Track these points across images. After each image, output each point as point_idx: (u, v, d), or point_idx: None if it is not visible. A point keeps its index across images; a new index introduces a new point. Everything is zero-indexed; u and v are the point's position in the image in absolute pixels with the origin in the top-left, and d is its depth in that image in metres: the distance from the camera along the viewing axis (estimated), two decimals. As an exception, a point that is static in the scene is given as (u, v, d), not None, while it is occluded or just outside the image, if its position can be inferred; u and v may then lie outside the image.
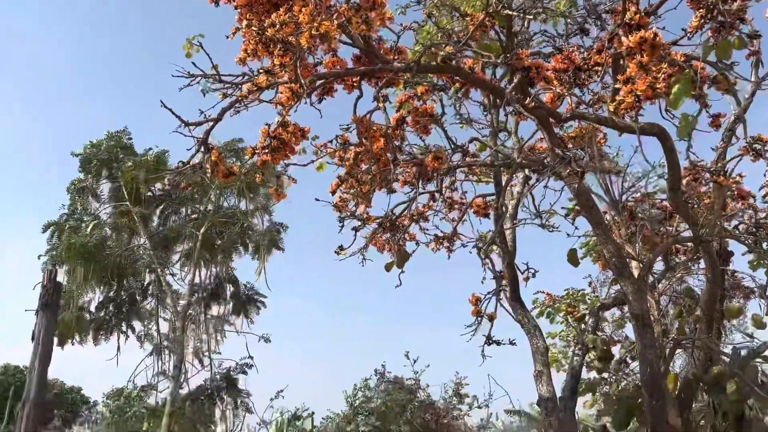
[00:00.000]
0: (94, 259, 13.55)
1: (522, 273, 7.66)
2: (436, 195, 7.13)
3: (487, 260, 7.42)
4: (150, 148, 17.58)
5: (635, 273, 6.35)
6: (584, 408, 10.41)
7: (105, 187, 16.93)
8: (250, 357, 16.71)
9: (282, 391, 13.37)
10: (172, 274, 16.78)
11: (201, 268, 16.78)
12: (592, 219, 5.62)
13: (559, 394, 6.42)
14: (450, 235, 8.06)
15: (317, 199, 6.03)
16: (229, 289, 18.04)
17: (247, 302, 17.85)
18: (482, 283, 7.57)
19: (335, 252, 8.41)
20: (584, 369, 7.14)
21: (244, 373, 16.87)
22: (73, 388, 40.79)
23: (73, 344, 16.11)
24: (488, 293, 7.24)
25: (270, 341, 16.84)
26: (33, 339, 4.26)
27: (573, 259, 7.67)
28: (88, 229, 14.47)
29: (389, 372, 5.95)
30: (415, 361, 5.95)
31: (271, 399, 13.75)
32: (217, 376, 16.43)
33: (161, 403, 15.20)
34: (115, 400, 16.09)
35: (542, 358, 6.64)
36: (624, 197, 7.99)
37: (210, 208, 16.86)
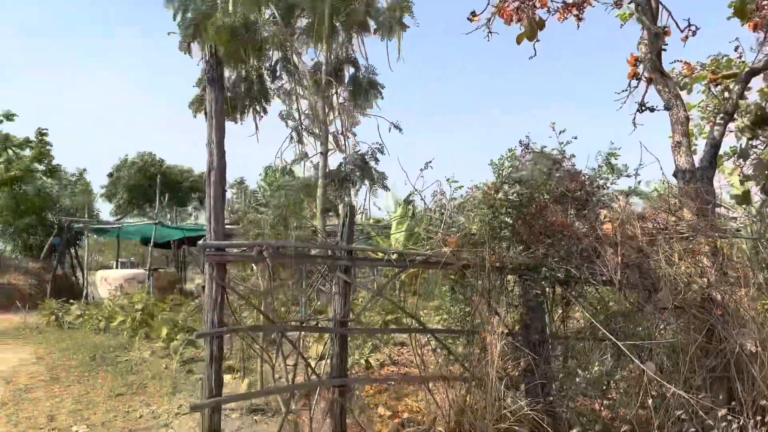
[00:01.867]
0: (230, 36, 13.57)
1: (682, 31, 7.00)
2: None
3: (643, 16, 6.70)
4: None
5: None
6: (724, 176, 10.09)
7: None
8: (381, 143, 17.03)
9: (430, 162, 13.71)
10: (298, 53, 16.76)
11: (322, 46, 16.45)
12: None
13: (697, 164, 6.18)
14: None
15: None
16: (349, 71, 17.81)
17: (368, 87, 17.56)
18: (637, 47, 7.01)
19: (468, 19, 7.90)
20: (724, 139, 6.69)
21: (376, 160, 17.42)
22: (201, 175, 45.54)
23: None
24: (645, 54, 6.73)
25: (401, 130, 16.96)
26: (206, 115, 4.58)
27: (740, 11, 6.79)
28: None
29: (534, 142, 5.86)
30: (561, 132, 5.74)
31: (421, 169, 14.18)
32: (353, 157, 17.13)
33: (310, 178, 16.31)
34: (265, 179, 17.17)
35: (682, 128, 6.24)
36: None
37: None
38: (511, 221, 5.29)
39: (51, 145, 25.01)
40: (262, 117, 17.11)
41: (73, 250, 24.33)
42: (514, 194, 5.21)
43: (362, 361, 7.84)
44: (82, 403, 6.89)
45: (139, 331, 10.65)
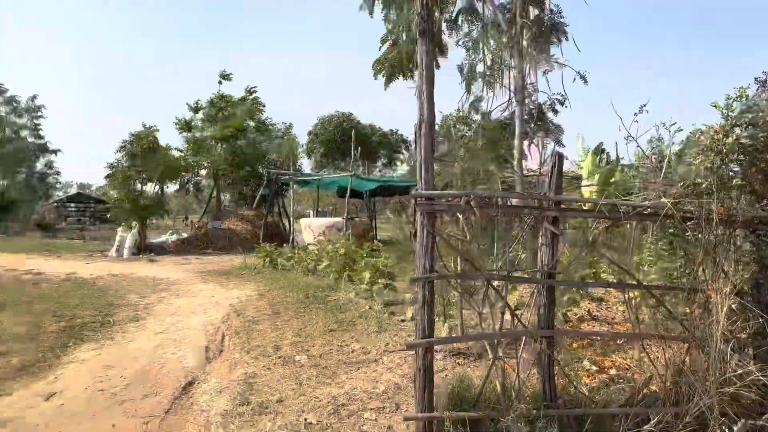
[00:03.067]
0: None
1: None
2: None
3: None
4: None
5: None
6: None
7: None
8: (563, 94, 15.97)
9: (644, 105, 12.55)
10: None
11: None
12: None
13: None
14: None
15: None
16: (532, 12, 16.78)
17: (551, 29, 16.39)
18: None
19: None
20: None
21: (554, 111, 16.47)
22: (391, 131, 47.02)
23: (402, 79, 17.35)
24: None
25: (587, 81, 15.80)
26: (417, 66, 4.71)
27: None
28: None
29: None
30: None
31: (635, 113, 13.10)
32: (530, 107, 16.40)
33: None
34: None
35: None
36: None
37: None
38: (742, 169, 4.70)
39: (264, 106, 27.65)
40: (438, 68, 17.01)
41: (280, 200, 27.02)
42: (747, 138, 4.60)
43: (559, 315, 7.71)
44: (301, 336, 7.76)
45: (343, 274, 11.59)
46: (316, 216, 26.60)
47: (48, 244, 25.00)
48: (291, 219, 24.68)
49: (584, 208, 5.19)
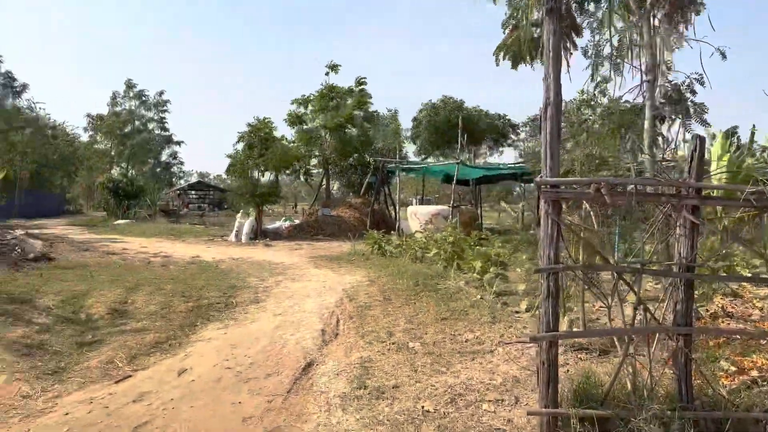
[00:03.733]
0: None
1: None
2: None
3: None
4: None
5: None
6: None
7: None
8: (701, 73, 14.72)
9: None
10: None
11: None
12: None
13: None
14: None
15: None
16: None
17: (686, 1, 15.05)
18: None
19: None
20: None
21: (693, 92, 15.18)
22: (498, 116, 45.82)
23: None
24: None
25: (725, 56, 14.37)
26: (540, 49, 4.52)
27: None
28: None
29: None
30: None
31: None
32: (666, 89, 15.28)
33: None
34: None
35: None
36: None
37: None
38: None
39: (371, 97, 28.07)
40: (571, 54, 16.21)
41: (386, 188, 27.35)
42: None
43: (691, 311, 7.17)
44: (413, 323, 7.79)
45: (451, 262, 11.51)
46: (421, 204, 26.68)
47: (173, 229, 26.97)
48: (397, 206, 24.90)
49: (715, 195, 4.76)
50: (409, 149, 42.44)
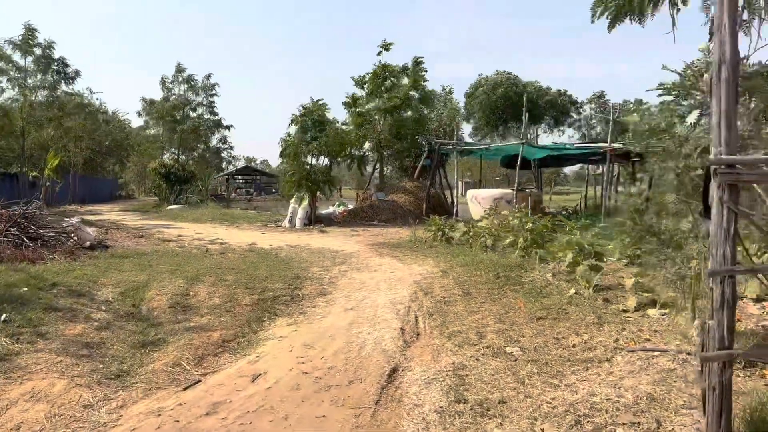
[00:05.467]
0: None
1: None
2: None
3: None
4: None
5: None
6: None
7: None
8: None
9: None
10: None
11: None
12: None
13: None
14: None
15: None
16: None
17: None
18: None
19: None
20: None
21: None
22: (560, 92, 43.79)
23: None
24: None
25: None
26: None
27: None
28: None
29: None
30: None
31: None
32: None
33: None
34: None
35: None
36: None
37: None
38: None
39: (426, 71, 26.85)
40: (679, 9, 14.61)
41: (441, 171, 26.37)
42: None
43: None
44: (505, 323, 6.94)
45: (530, 251, 10.57)
46: (466, 187, 25.59)
47: (225, 214, 26.76)
48: (454, 190, 23.94)
49: None
50: (465, 130, 40.98)
